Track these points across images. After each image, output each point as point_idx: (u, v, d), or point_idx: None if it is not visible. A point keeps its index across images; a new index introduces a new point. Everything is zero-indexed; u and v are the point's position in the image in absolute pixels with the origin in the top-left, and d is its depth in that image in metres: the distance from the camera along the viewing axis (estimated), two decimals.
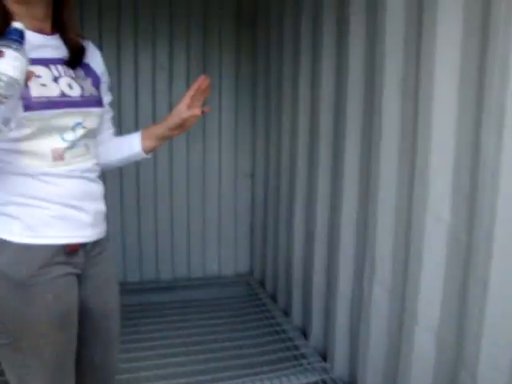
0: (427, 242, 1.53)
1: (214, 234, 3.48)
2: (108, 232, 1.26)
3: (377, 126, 1.80)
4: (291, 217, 2.72)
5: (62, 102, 1.08)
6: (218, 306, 3.04)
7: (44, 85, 1.06)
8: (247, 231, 3.54)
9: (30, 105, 1.02)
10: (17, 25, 0.89)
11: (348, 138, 2.05)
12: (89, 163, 1.17)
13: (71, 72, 1.15)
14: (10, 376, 1.13)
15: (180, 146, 3.28)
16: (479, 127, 1.32)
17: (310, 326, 2.50)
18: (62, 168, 1.10)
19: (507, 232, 1.26)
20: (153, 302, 3.07)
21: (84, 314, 1.20)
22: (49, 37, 1.14)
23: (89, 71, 1.21)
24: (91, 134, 1.18)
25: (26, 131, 1.04)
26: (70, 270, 1.13)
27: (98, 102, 1.19)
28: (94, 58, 1.27)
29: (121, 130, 1.40)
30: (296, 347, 2.48)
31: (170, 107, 3.22)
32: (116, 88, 2.99)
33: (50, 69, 1.10)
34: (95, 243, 1.20)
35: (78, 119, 1.12)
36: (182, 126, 1.27)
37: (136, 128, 3.10)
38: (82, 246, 1.16)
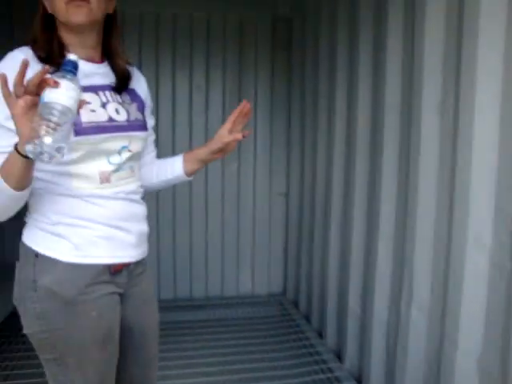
0: (468, 267, 1.49)
1: (248, 253, 3.50)
2: None
3: (415, 146, 1.79)
4: (326, 237, 2.71)
5: (109, 127, 1.13)
6: (251, 326, 3.04)
7: (93, 110, 1.11)
8: (281, 251, 3.54)
9: (80, 130, 1.07)
10: (71, 56, 0.94)
11: (385, 159, 2.04)
12: (133, 185, 1.21)
13: (118, 97, 1.20)
14: None
15: (215, 165, 3.32)
16: None
17: (345, 349, 2.47)
18: (108, 190, 1.14)
19: None
20: (186, 320, 3.09)
21: (124, 333, 1.23)
22: (98, 65, 1.20)
23: (134, 96, 1.26)
24: (136, 157, 1.22)
25: (76, 155, 1.08)
26: (113, 289, 1.17)
27: (142, 126, 1.23)
28: (139, 83, 1.32)
29: (159, 148, 1.44)
30: (330, 370, 2.44)
31: (206, 126, 3.30)
32: (154, 106, 3.06)
33: (98, 95, 1.15)
34: (137, 263, 1.23)
35: (124, 143, 1.16)
36: (223, 150, 1.30)
37: (173, 146, 3.20)
38: (126, 265, 1.19)
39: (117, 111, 1.16)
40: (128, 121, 1.18)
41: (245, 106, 1.27)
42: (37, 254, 1.11)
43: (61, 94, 0.89)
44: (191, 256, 3.40)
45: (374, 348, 2.14)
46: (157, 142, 1.43)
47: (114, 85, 1.20)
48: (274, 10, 3.32)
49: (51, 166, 1.06)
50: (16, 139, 0.93)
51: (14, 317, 1.31)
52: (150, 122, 1.34)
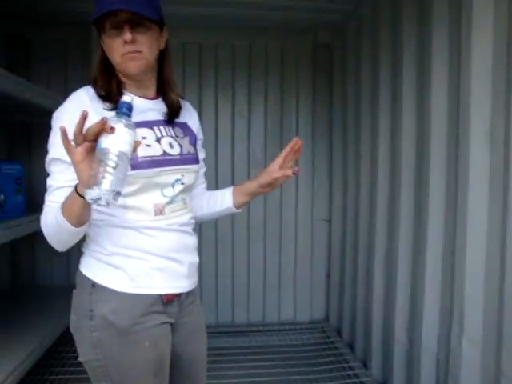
0: None
1: (290, 280, 3.47)
2: None
3: (463, 174, 1.76)
4: (370, 264, 2.67)
5: (164, 161, 1.17)
6: (292, 353, 2.99)
7: (148, 145, 1.16)
8: (323, 277, 3.50)
9: (136, 164, 1.11)
10: (127, 98, 0.97)
11: (432, 187, 2.00)
12: (186, 217, 1.24)
13: (172, 131, 1.24)
14: None
15: None
16: None
17: (391, 380, 2.40)
18: (162, 222, 1.17)
19: None
20: (228, 346, 3.08)
21: (173, 361, 1.25)
22: (153, 101, 1.25)
23: (186, 130, 1.30)
24: (188, 190, 1.26)
25: (132, 188, 1.13)
26: (165, 319, 1.19)
27: (194, 160, 1.27)
28: (191, 117, 1.37)
29: None
30: None
31: (248, 151, 3.34)
32: None
33: (153, 130, 1.19)
34: (188, 293, 1.26)
35: (178, 176, 1.20)
36: (271, 184, 1.31)
37: (216, 173, 3.25)
38: (178, 296, 1.21)
39: (170, 145, 1.20)
40: (181, 154, 1.22)
41: (296, 142, 1.29)
42: (94, 284, 1.15)
43: (116, 140, 0.92)
44: (233, 281, 3.41)
45: (423, 382, 2.07)
46: None
47: (166, 118, 1.25)
48: (314, 37, 3.36)
49: None
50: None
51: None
52: (201, 154, 1.38)
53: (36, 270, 3.18)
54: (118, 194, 0.93)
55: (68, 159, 0.97)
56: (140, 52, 1.14)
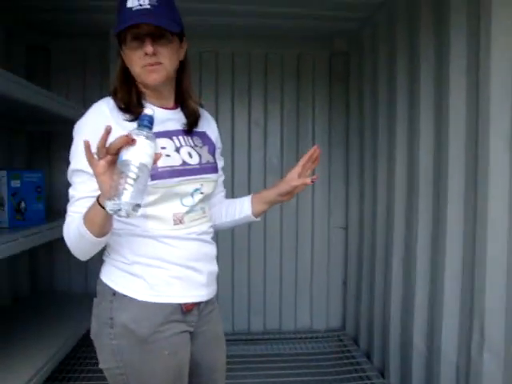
0: None
1: (307, 288, 3.46)
2: None
3: (482, 187, 1.73)
4: (388, 272, 2.65)
5: (183, 171, 1.18)
6: (309, 362, 2.98)
7: (168, 155, 1.17)
8: (340, 285, 3.48)
9: (156, 174, 1.12)
10: (148, 111, 0.98)
11: (450, 195, 1.98)
12: (205, 226, 1.25)
13: (191, 141, 1.25)
14: None
15: None
16: None
17: None
18: (181, 231, 1.18)
19: None
20: (243, 354, 3.07)
21: (192, 369, 1.25)
22: (172, 111, 1.26)
23: (205, 139, 1.32)
24: (207, 198, 1.27)
25: (152, 198, 1.14)
26: (184, 327, 1.20)
27: (213, 169, 1.28)
28: (210, 126, 1.38)
29: None
30: None
31: (265, 160, 3.35)
32: None
33: (172, 140, 1.21)
34: (207, 302, 1.26)
35: (197, 185, 1.21)
36: (290, 193, 1.32)
37: (232, 180, 3.26)
38: (197, 304, 1.22)
39: (190, 155, 1.22)
40: (200, 164, 1.23)
41: (315, 151, 1.29)
42: (114, 293, 1.16)
43: (137, 152, 0.93)
44: (249, 290, 3.40)
45: None
46: None
47: (185, 128, 1.26)
48: (330, 45, 3.36)
49: None
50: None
51: None
52: (220, 163, 1.39)
53: (54, 276, 3.22)
54: (138, 205, 0.94)
55: (90, 170, 0.98)
56: (161, 64, 1.15)
